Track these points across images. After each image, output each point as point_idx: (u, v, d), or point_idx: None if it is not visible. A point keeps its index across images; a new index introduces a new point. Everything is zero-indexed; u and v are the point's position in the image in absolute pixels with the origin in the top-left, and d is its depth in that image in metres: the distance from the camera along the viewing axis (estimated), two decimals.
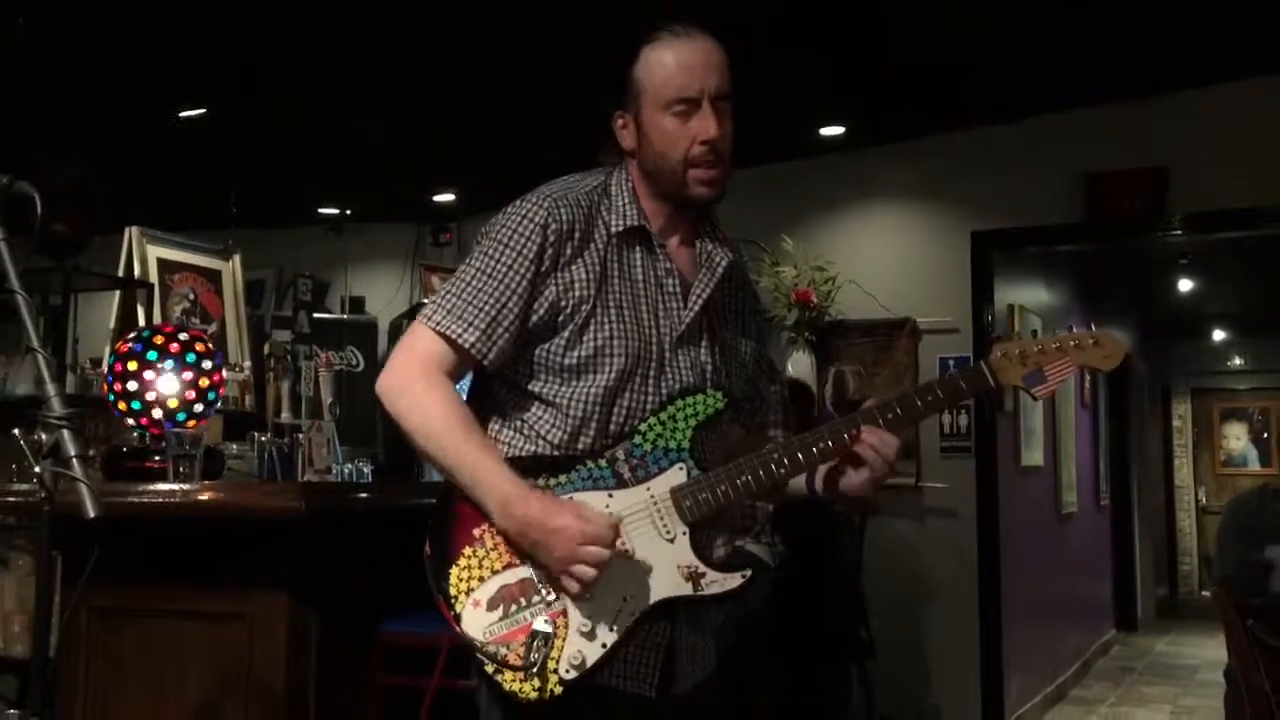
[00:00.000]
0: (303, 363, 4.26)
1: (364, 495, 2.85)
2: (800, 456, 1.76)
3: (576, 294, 1.75)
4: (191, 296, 4.96)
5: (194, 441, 2.68)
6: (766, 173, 5.77)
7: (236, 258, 5.24)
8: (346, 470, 3.62)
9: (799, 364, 5.48)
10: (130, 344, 2.95)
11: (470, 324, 1.73)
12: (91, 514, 1.53)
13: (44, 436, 1.57)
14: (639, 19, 1.85)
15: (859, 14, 4.16)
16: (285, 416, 3.86)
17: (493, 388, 1.83)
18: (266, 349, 4.84)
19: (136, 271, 4.77)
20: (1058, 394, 7.01)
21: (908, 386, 1.81)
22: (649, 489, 1.73)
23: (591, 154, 1.90)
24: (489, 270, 1.75)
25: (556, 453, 1.75)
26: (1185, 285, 8.84)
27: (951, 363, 5.46)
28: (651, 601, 1.70)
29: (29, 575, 3.36)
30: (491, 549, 1.70)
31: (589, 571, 1.63)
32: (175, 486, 2.53)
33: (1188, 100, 5.04)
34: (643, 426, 1.75)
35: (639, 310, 1.78)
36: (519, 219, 1.76)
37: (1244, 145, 4.94)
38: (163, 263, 4.89)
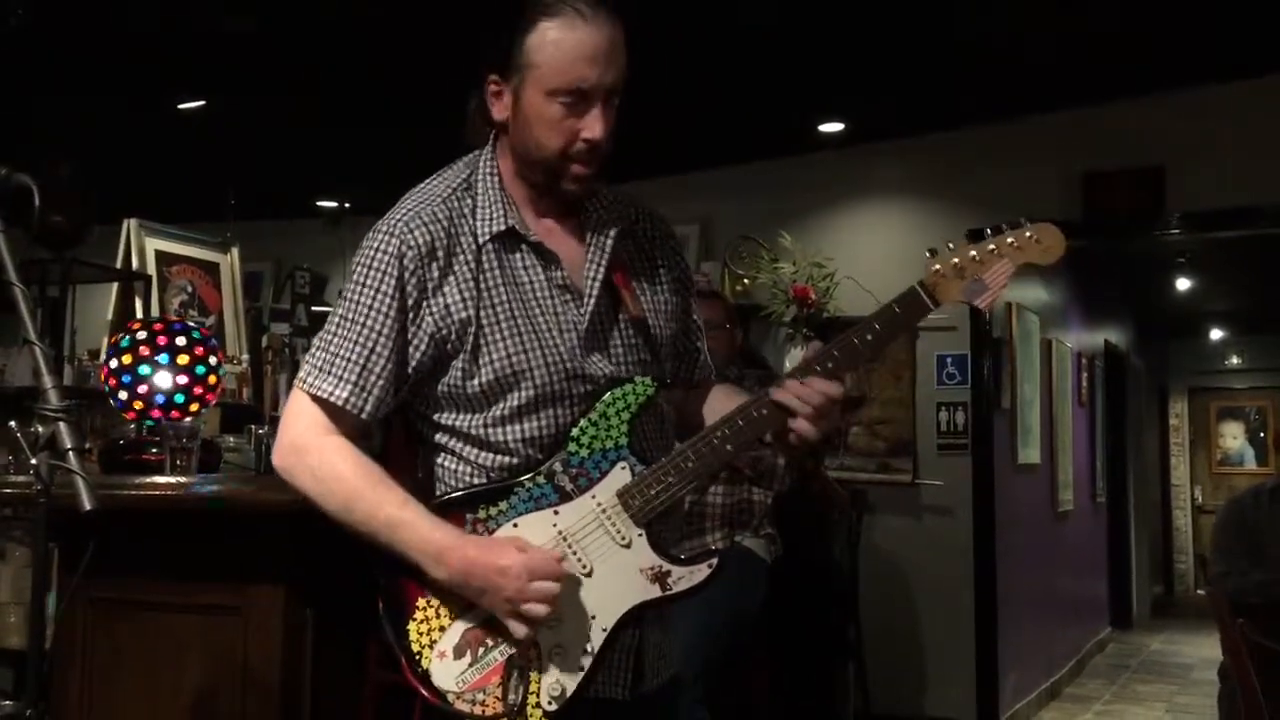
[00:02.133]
0: (300, 356, 4.26)
1: None
2: (744, 427, 1.64)
3: (455, 318, 1.62)
4: (190, 289, 4.96)
5: (191, 434, 2.68)
6: (765, 169, 5.77)
7: (235, 250, 5.23)
8: None
9: (796, 360, 5.47)
10: (128, 336, 2.95)
11: (341, 379, 1.63)
12: (87, 507, 1.53)
13: (40, 429, 1.57)
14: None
15: (859, 11, 4.16)
16: (283, 409, 3.86)
17: (410, 421, 1.74)
18: (264, 342, 4.84)
19: (134, 263, 4.77)
20: (1055, 392, 7.02)
21: (849, 331, 1.67)
22: (594, 497, 1.63)
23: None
24: (351, 316, 1.63)
25: (491, 478, 1.66)
26: (1183, 284, 8.86)
27: (949, 359, 5.48)
28: (621, 613, 1.62)
29: (25, 567, 3.37)
30: (448, 594, 1.60)
31: (540, 609, 1.55)
32: (172, 479, 2.53)
33: (1185, 99, 5.05)
34: (574, 431, 1.64)
35: (533, 317, 1.65)
36: (371, 253, 1.63)
37: (1241, 144, 4.95)
38: (161, 255, 4.89)
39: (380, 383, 1.64)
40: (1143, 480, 10.63)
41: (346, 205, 6.74)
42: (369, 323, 1.62)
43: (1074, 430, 7.65)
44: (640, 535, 1.63)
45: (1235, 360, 12.33)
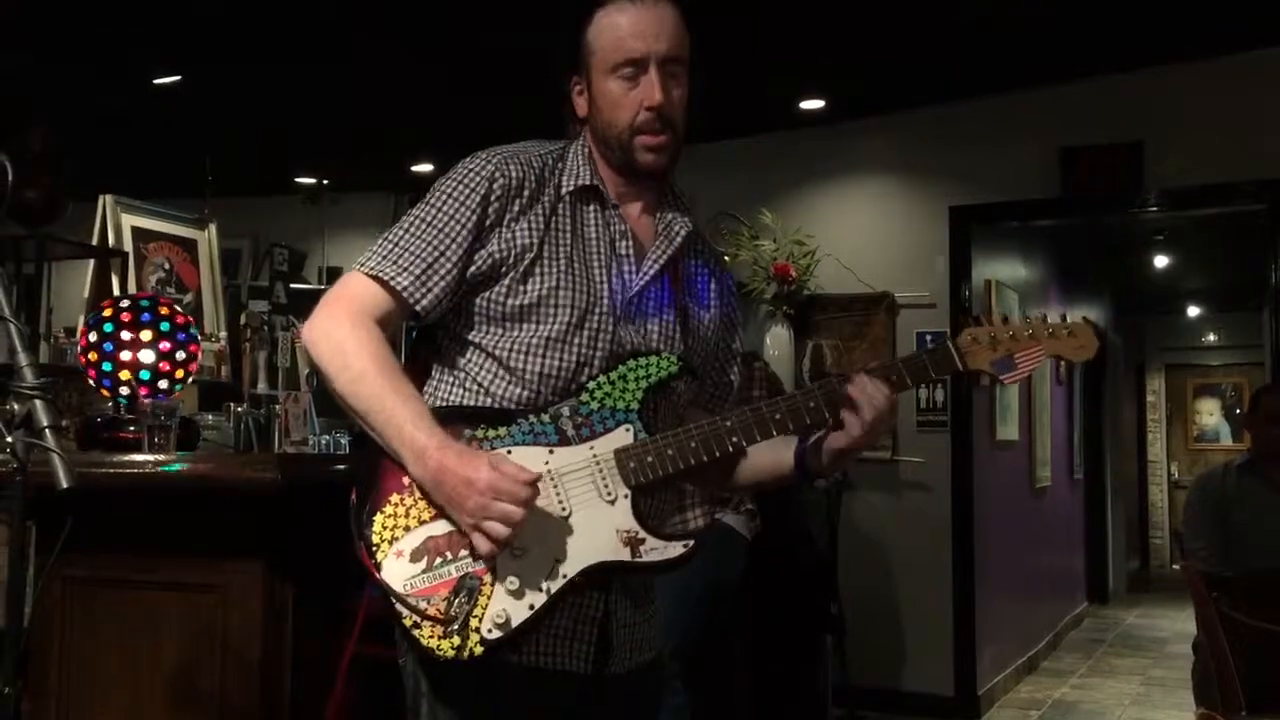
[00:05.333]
0: (279, 333, 4.24)
1: (340, 467, 2.85)
2: (754, 427, 1.68)
3: (519, 244, 1.69)
4: (167, 266, 4.92)
5: (169, 412, 2.67)
6: (746, 145, 5.76)
7: (213, 227, 5.19)
8: (323, 441, 3.61)
9: (777, 338, 5.49)
10: (105, 313, 2.93)
11: (404, 269, 1.67)
12: (65, 485, 1.52)
13: (17, 407, 1.56)
14: None
15: None
16: (262, 387, 3.85)
17: (436, 337, 1.79)
18: (243, 319, 4.81)
19: (111, 240, 4.72)
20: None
21: (871, 363, 1.74)
22: (592, 448, 1.65)
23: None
24: (429, 219, 1.70)
25: (498, 405, 1.69)
26: (1160, 261, 8.90)
27: (929, 338, 5.49)
28: (585, 564, 1.62)
29: (2, 545, 3.34)
30: (420, 498, 1.63)
31: (500, 530, 1.55)
32: (150, 457, 2.52)
33: (1164, 76, 5.06)
34: (591, 384, 1.68)
35: (590, 265, 1.72)
36: (465, 172, 1.71)
37: (1219, 122, 4.97)
38: (138, 231, 4.84)
39: (441, 283, 1.68)
40: (1120, 456, 10.71)
41: (325, 181, 6.70)
42: (446, 229, 1.69)
43: (1052, 407, 7.70)
44: (626, 496, 1.64)
45: (1212, 337, 12.41)
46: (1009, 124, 5.38)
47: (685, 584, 3.19)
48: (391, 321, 1.71)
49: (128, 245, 4.76)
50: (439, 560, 1.61)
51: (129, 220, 4.82)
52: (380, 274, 1.68)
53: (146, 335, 2.89)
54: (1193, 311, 12.00)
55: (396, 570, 1.61)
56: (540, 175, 1.73)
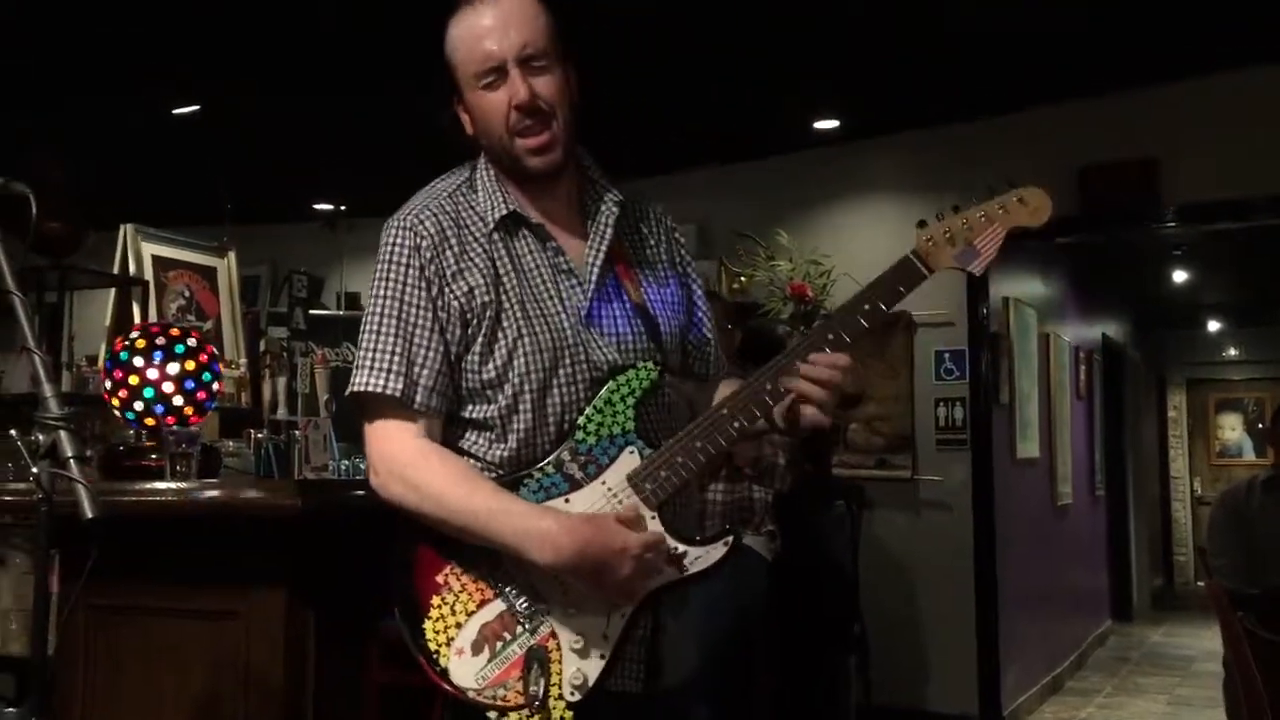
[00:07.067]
0: (299, 359, 4.26)
1: (361, 492, 2.86)
2: (753, 409, 1.65)
3: (479, 301, 1.65)
4: (187, 294, 4.95)
5: (191, 439, 2.69)
6: (762, 167, 5.78)
7: (232, 254, 5.22)
8: (343, 467, 3.62)
9: None
10: (127, 342, 2.95)
11: (389, 371, 1.63)
12: (90, 515, 1.53)
13: (41, 437, 1.57)
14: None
15: (854, 7, 4.17)
16: (282, 413, 3.86)
17: None
18: (262, 346, 4.84)
19: (132, 269, 4.75)
20: (1054, 385, 7.03)
21: (847, 304, 1.76)
22: (604, 483, 1.64)
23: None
24: (384, 310, 1.66)
25: (500, 472, 1.66)
26: (1180, 276, 8.86)
27: (947, 355, 5.48)
28: (639, 598, 1.62)
29: (27, 574, 3.36)
30: (460, 591, 1.62)
31: (645, 586, 1.59)
32: (172, 485, 2.53)
33: (1180, 92, 5.05)
34: (581, 420, 1.65)
35: (541, 301, 1.68)
36: (390, 249, 1.67)
37: (1236, 136, 4.95)
38: (158, 260, 4.87)
39: (426, 371, 1.65)
40: (1141, 473, 10.63)
41: (343, 208, 6.73)
42: (403, 314, 1.66)
43: (1072, 424, 7.66)
44: (654, 518, 1.64)
45: (1233, 352, 12.34)
46: (1025, 141, 5.37)
47: (710, 611, 3.19)
48: (427, 429, 1.66)
49: (148, 274, 4.79)
50: (500, 644, 1.61)
51: (149, 249, 4.86)
52: (373, 388, 1.63)
53: (169, 364, 2.91)
54: (1213, 326, 11.92)
55: (464, 669, 1.60)
56: (456, 217, 1.69)
